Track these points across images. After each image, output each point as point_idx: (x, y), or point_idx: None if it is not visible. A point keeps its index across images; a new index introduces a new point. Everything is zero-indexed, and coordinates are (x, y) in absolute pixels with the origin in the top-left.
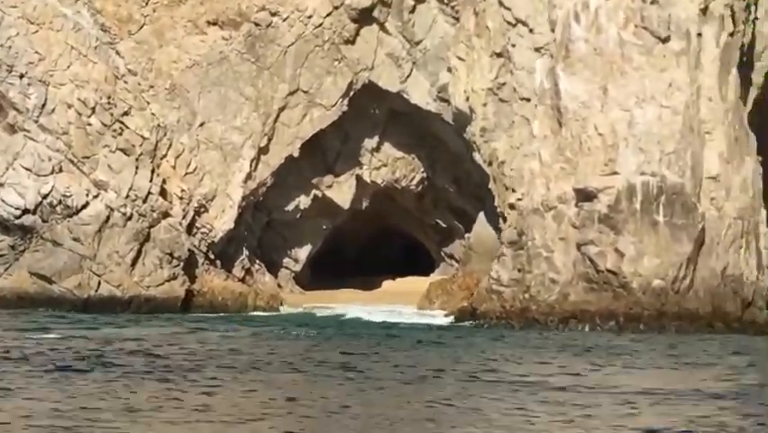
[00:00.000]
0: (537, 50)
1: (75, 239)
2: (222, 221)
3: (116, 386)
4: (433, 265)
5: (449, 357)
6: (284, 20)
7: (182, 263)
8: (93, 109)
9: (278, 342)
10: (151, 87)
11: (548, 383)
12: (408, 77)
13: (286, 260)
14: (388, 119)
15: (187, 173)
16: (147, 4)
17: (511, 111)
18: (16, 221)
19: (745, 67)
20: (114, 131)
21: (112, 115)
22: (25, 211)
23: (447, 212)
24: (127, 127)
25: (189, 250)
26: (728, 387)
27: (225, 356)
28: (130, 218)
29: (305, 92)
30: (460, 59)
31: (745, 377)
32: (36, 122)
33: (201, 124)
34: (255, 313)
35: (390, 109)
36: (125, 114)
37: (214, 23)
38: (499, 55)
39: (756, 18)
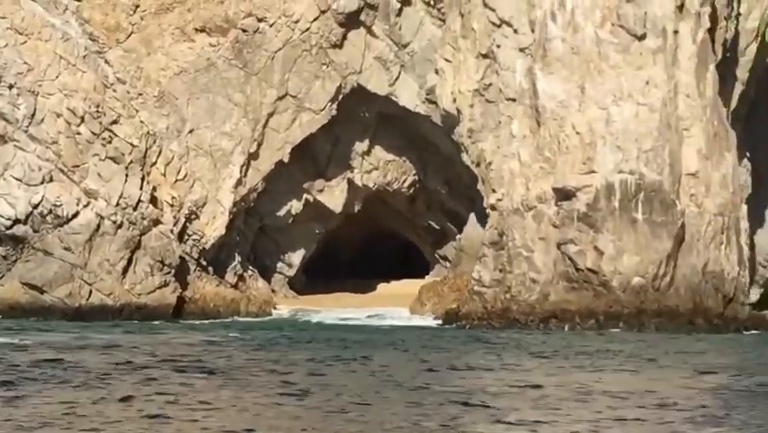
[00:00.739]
0: (522, 50)
1: (66, 248)
2: (213, 227)
3: None
4: (428, 267)
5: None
6: (271, 25)
7: (173, 271)
8: (82, 118)
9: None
10: (140, 94)
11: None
12: (397, 79)
13: (279, 265)
14: (378, 122)
15: (177, 180)
16: (135, 12)
17: (498, 111)
18: (7, 231)
19: (729, 63)
20: (104, 139)
21: (101, 123)
22: (16, 221)
23: (440, 214)
24: (116, 135)
25: (181, 257)
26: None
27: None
28: (120, 226)
29: (293, 97)
30: (446, 60)
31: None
32: (26, 132)
33: (190, 131)
34: (245, 319)
35: (380, 112)
36: (114, 122)
37: (202, 30)
38: (485, 56)
39: (740, 14)
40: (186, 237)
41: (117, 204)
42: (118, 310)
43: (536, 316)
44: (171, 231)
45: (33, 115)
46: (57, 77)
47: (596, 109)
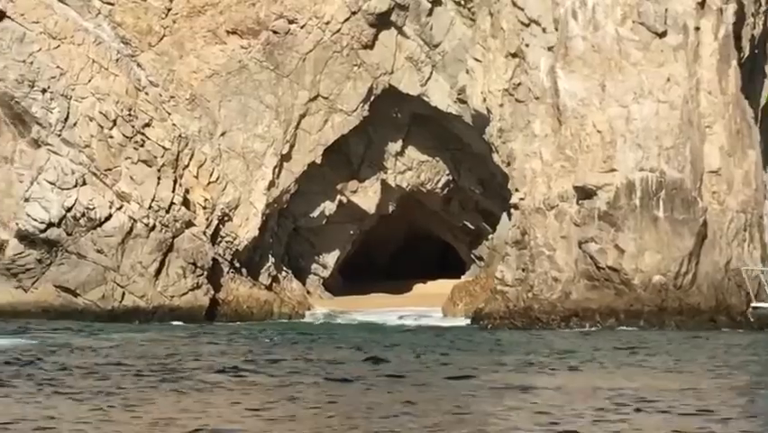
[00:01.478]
0: (550, 49)
1: (98, 251)
2: (246, 229)
3: None
4: (464, 268)
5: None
6: (302, 27)
7: (206, 272)
8: (114, 122)
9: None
10: (172, 97)
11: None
12: (428, 80)
13: (314, 266)
14: (411, 122)
15: (209, 182)
16: (167, 15)
17: (527, 111)
18: (41, 235)
19: (758, 59)
20: (136, 142)
21: (133, 126)
22: (50, 225)
23: (475, 214)
24: (149, 138)
25: (213, 259)
26: None
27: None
28: (153, 229)
29: (325, 98)
30: (476, 60)
31: None
32: (59, 136)
33: (222, 134)
34: (280, 320)
35: (412, 113)
36: (147, 125)
37: (233, 33)
38: (514, 55)
39: None
40: (219, 239)
41: (150, 207)
42: (151, 313)
43: (558, 314)
44: (204, 233)
45: (66, 119)
46: (89, 80)
47: (617, 107)
